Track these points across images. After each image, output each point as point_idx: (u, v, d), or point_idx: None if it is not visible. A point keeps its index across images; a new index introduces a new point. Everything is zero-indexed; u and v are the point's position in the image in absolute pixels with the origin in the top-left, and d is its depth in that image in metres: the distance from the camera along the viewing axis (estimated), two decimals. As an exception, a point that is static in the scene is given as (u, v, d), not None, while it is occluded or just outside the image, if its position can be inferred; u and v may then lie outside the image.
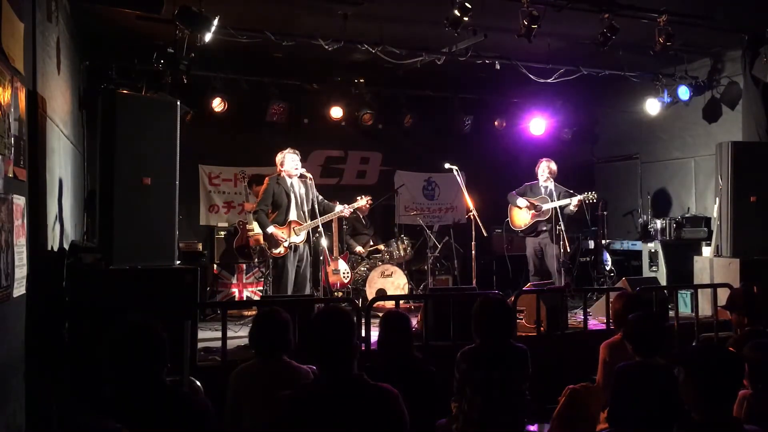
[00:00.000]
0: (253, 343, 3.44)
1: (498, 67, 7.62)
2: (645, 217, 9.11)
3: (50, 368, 4.15)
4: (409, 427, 2.43)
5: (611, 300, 4.74)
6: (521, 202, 7.56)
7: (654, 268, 8.16)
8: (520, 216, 7.66)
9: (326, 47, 6.80)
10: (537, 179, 7.63)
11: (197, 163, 8.76)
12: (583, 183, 7.68)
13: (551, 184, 7.50)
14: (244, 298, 7.95)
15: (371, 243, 8.56)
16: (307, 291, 6.43)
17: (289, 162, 6.36)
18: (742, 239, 6.92)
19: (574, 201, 7.24)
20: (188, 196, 7.90)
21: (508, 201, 7.76)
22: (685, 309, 6.80)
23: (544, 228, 7.49)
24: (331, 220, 7.05)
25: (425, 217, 9.44)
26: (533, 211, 7.50)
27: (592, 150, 10.63)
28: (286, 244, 6.24)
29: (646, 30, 6.74)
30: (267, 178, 6.48)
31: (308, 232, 6.42)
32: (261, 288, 7.89)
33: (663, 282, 7.59)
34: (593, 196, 7.26)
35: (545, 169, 7.55)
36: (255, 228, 7.53)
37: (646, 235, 8.80)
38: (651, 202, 9.30)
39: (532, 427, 4.26)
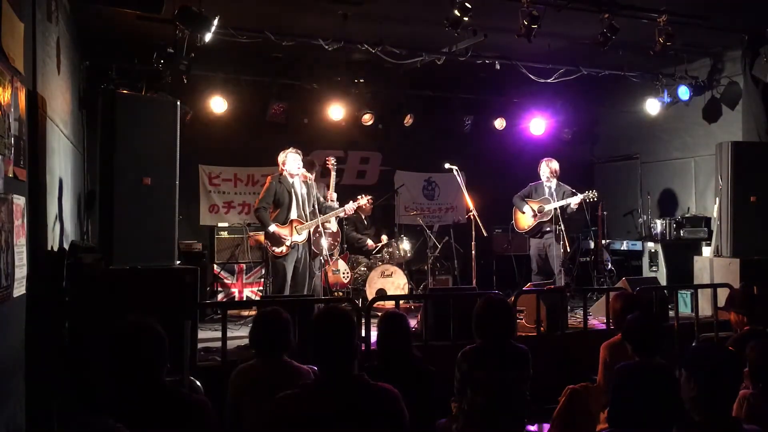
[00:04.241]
0: (253, 343, 3.44)
1: (498, 67, 7.63)
2: (645, 217, 9.11)
3: (50, 368, 4.15)
4: (409, 427, 2.43)
5: (611, 300, 4.74)
6: (526, 208, 7.60)
7: (654, 268, 8.16)
8: (524, 218, 7.69)
9: (326, 47, 6.80)
10: (540, 180, 7.65)
11: (197, 163, 8.77)
12: (583, 183, 7.68)
13: (554, 184, 7.51)
14: (244, 298, 7.95)
15: (374, 241, 8.58)
16: (307, 291, 6.43)
17: (292, 162, 6.37)
18: (742, 239, 6.92)
19: (576, 200, 7.28)
20: (188, 196, 7.90)
21: (513, 204, 7.79)
22: (685, 309, 6.80)
23: (548, 229, 7.50)
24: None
25: (425, 217, 9.44)
26: (535, 213, 7.52)
27: (592, 150, 10.64)
28: (288, 242, 6.25)
29: (646, 30, 6.74)
30: (269, 177, 6.49)
31: (308, 232, 6.43)
32: (261, 288, 7.88)
33: (663, 282, 7.59)
34: (594, 194, 7.29)
35: (546, 169, 7.58)
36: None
37: (646, 235, 8.81)
38: (651, 202, 9.31)
39: (532, 427, 4.26)
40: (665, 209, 9.20)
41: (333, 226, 7.40)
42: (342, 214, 6.92)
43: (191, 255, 7.81)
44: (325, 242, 6.76)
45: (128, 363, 2.42)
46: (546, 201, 7.49)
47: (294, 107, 8.47)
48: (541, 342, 5.47)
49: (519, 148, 9.61)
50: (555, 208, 7.32)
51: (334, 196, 7.08)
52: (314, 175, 7.08)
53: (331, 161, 7.25)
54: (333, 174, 7.26)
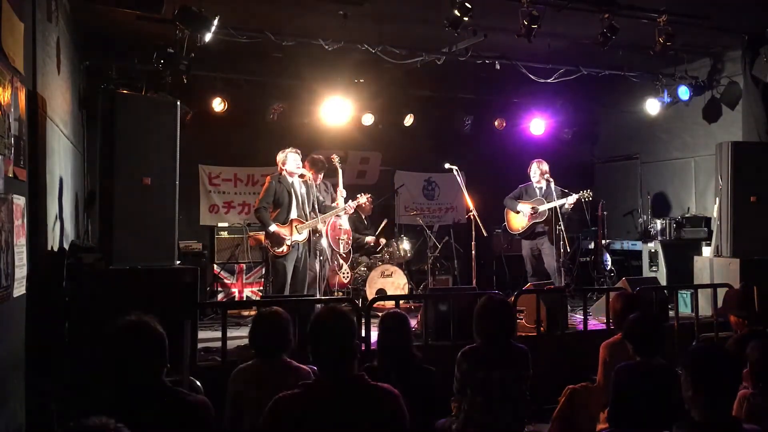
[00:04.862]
0: (253, 343, 3.44)
1: (498, 67, 7.63)
2: (645, 217, 9.11)
3: (50, 368, 4.15)
4: (409, 427, 2.43)
5: (611, 300, 4.74)
6: (520, 207, 7.58)
7: (654, 268, 8.16)
8: (518, 219, 7.67)
9: (326, 47, 6.80)
10: (530, 181, 7.66)
11: (197, 163, 8.77)
12: (583, 183, 7.68)
13: (545, 185, 7.50)
14: (244, 298, 7.95)
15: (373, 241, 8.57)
16: (306, 290, 6.44)
17: (291, 161, 6.38)
18: (742, 239, 6.91)
19: (571, 200, 7.26)
20: (188, 196, 7.90)
21: (504, 205, 7.78)
22: (685, 309, 6.80)
23: (540, 230, 7.50)
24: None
25: (425, 217, 9.44)
26: (531, 213, 7.51)
27: (592, 150, 10.64)
28: (288, 242, 6.25)
29: (646, 30, 6.74)
30: (268, 177, 6.50)
31: (308, 232, 6.44)
32: (261, 288, 7.88)
33: (663, 282, 7.58)
34: (589, 194, 7.28)
35: (536, 170, 7.58)
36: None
37: (646, 235, 8.81)
38: (651, 202, 9.31)
39: (531, 427, 4.26)
40: (665, 209, 9.20)
41: (345, 223, 7.39)
42: (342, 213, 6.92)
43: (191, 255, 7.82)
44: (325, 242, 6.76)
45: (128, 363, 2.42)
46: (539, 202, 7.48)
47: (294, 107, 8.47)
48: (541, 342, 5.47)
49: (519, 148, 9.61)
50: (552, 208, 7.31)
51: (344, 192, 7.02)
52: (322, 174, 7.05)
53: (335, 159, 7.21)
54: (340, 171, 7.22)
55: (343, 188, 7.15)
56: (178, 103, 5.15)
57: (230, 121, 8.29)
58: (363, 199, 7.11)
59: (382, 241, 8.46)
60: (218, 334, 4.98)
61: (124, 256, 4.67)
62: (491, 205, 8.42)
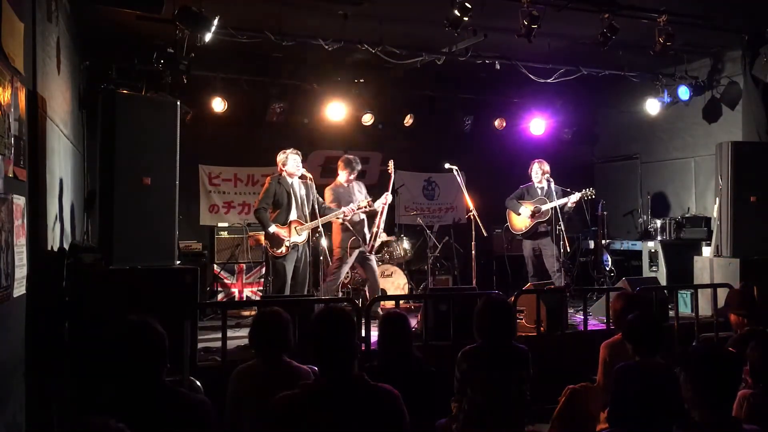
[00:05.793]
0: (253, 343, 3.44)
1: (498, 67, 7.63)
2: (645, 217, 9.12)
3: (50, 368, 4.15)
4: (409, 427, 2.43)
5: (611, 300, 4.74)
6: (522, 209, 7.58)
7: (654, 268, 8.16)
8: (520, 219, 7.67)
9: (326, 47, 6.80)
10: (532, 181, 7.66)
11: (197, 163, 8.77)
12: (583, 183, 7.68)
13: (546, 185, 7.51)
14: (244, 298, 7.95)
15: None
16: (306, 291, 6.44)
17: (292, 162, 6.38)
18: (742, 239, 6.92)
19: (574, 198, 7.27)
20: (188, 196, 7.91)
21: (506, 206, 7.78)
22: (685, 309, 6.80)
23: (543, 229, 7.50)
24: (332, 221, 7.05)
25: (425, 217, 9.44)
26: (534, 213, 7.51)
27: (592, 150, 10.64)
28: (287, 243, 6.26)
29: (646, 30, 6.74)
30: (268, 178, 6.50)
31: (308, 233, 6.44)
32: (261, 288, 7.89)
33: (663, 282, 7.59)
34: (591, 192, 7.28)
35: (538, 170, 7.58)
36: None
37: (646, 235, 8.81)
38: (651, 202, 9.31)
39: (532, 427, 4.26)
40: (665, 209, 9.20)
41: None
42: (342, 216, 6.92)
43: (191, 255, 7.82)
44: (325, 242, 6.76)
45: (128, 363, 2.42)
46: (541, 201, 7.49)
47: (294, 107, 8.47)
48: (541, 342, 5.47)
49: (519, 148, 9.61)
50: (552, 208, 7.32)
51: (390, 198, 6.97)
52: (354, 175, 7.00)
53: (391, 166, 7.13)
54: (392, 177, 7.16)
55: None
56: (178, 103, 5.15)
57: (230, 121, 8.28)
58: (363, 203, 7.10)
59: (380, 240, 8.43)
60: (218, 334, 4.98)
61: (124, 256, 4.67)
62: (491, 205, 8.42)
